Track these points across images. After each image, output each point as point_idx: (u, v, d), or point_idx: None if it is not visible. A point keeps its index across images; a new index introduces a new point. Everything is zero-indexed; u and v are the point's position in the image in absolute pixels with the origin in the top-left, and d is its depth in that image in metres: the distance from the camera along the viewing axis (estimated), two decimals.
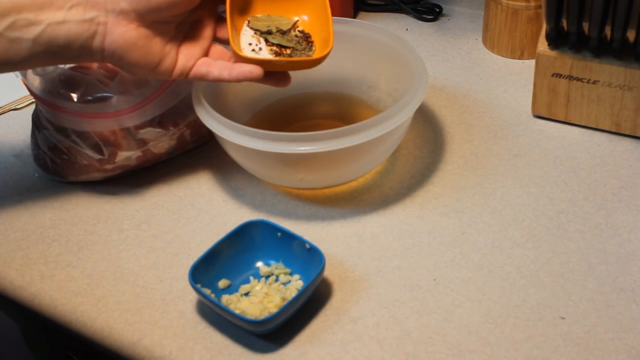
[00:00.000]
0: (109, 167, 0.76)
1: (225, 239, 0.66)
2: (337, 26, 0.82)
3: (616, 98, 0.78)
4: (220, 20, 0.69)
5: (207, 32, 0.68)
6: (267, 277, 0.66)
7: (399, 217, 0.73)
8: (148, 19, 0.64)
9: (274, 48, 0.69)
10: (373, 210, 0.74)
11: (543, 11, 0.77)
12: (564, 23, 0.77)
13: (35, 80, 0.75)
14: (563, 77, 0.80)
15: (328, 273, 0.67)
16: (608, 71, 0.77)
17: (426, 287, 0.65)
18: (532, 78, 0.83)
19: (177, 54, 0.67)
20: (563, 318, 0.62)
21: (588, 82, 0.79)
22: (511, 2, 0.91)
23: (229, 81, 0.67)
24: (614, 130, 0.81)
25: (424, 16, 1.05)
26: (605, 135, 0.81)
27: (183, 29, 0.67)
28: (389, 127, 0.68)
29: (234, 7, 0.68)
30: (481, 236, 0.70)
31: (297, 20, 0.71)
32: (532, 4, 0.91)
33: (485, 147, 0.81)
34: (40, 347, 0.92)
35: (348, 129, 0.67)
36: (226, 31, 0.68)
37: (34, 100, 0.77)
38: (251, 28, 0.70)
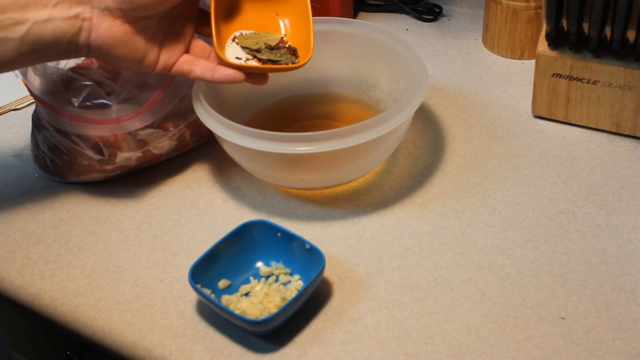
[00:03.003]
0: (109, 167, 0.76)
1: (225, 239, 0.66)
2: (337, 26, 0.83)
3: (616, 98, 0.78)
4: (201, 14, 0.70)
5: (189, 26, 0.69)
6: (267, 277, 0.66)
7: (399, 217, 0.73)
8: (132, 16, 0.64)
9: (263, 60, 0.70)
10: (373, 210, 0.74)
11: (543, 11, 0.77)
12: (564, 23, 0.77)
13: (36, 81, 0.75)
14: (563, 77, 0.80)
15: (328, 273, 0.67)
16: (608, 71, 0.77)
17: (426, 287, 0.65)
18: (532, 78, 0.83)
19: (160, 48, 0.67)
20: (563, 318, 0.62)
21: (588, 82, 0.79)
22: (511, 2, 0.91)
23: (210, 82, 0.69)
24: (614, 130, 0.81)
25: (424, 16, 1.05)
26: (605, 135, 0.81)
27: (165, 23, 0.67)
28: (389, 127, 0.68)
29: (217, 6, 0.69)
30: (481, 236, 0.70)
31: (284, 36, 0.72)
32: (532, 4, 0.91)
33: (485, 147, 0.81)
34: (40, 348, 0.92)
35: (348, 129, 0.67)
36: (207, 26, 0.69)
37: (34, 100, 0.77)
38: (240, 45, 0.70)
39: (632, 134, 0.80)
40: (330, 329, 0.62)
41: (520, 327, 0.61)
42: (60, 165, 0.77)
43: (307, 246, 0.64)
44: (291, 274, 0.66)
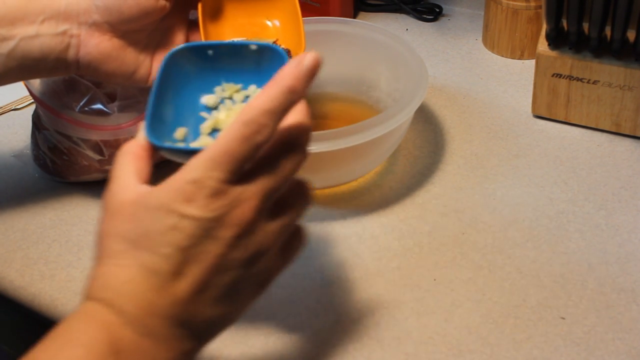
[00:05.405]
0: (109, 167, 0.76)
1: (157, 87, 0.50)
2: (337, 26, 0.83)
3: (616, 98, 0.78)
4: (192, 25, 0.70)
5: (180, 37, 0.68)
6: (218, 105, 0.53)
7: (399, 217, 0.73)
8: (121, 30, 0.63)
9: None
10: (373, 210, 0.74)
11: (543, 11, 0.77)
12: (564, 23, 0.77)
13: (36, 82, 0.75)
14: (563, 77, 0.80)
15: (328, 273, 0.67)
16: (608, 71, 0.77)
17: (426, 287, 0.65)
18: (532, 78, 0.83)
19: (151, 61, 0.67)
20: (563, 318, 0.62)
21: (588, 82, 0.79)
22: (511, 2, 0.91)
23: None
24: (614, 130, 0.81)
25: (424, 16, 1.05)
26: (605, 135, 0.81)
27: (156, 36, 0.67)
28: (389, 127, 0.68)
29: (205, 13, 0.69)
30: (481, 236, 0.70)
31: (276, 40, 0.72)
32: (532, 4, 0.91)
33: (485, 147, 0.81)
34: None
35: (348, 129, 0.67)
36: (198, 36, 0.68)
37: (34, 100, 0.77)
38: None
39: (632, 134, 0.80)
40: (330, 328, 0.62)
41: (520, 327, 0.61)
42: (60, 165, 0.77)
43: (254, 47, 0.50)
44: (244, 88, 0.53)
